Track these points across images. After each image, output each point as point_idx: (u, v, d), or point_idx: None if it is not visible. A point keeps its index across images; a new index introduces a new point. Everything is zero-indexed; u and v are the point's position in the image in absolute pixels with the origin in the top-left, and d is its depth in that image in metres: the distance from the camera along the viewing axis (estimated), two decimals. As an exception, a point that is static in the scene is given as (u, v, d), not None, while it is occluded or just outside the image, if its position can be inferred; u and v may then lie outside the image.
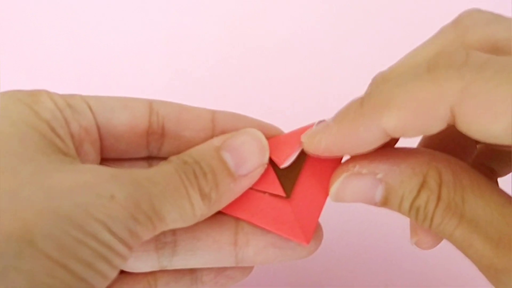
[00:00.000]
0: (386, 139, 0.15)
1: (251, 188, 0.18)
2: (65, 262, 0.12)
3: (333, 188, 0.17)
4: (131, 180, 0.14)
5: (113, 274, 0.14)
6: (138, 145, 0.18)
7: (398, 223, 0.33)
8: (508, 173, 0.21)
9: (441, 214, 0.15)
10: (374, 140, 0.15)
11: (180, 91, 0.39)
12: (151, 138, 0.19)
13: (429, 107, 0.14)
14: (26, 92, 0.16)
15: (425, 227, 0.15)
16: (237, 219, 0.19)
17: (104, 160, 0.19)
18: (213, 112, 0.19)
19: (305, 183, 0.19)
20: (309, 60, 0.41)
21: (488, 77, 0.13)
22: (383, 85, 0.15)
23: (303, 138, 0.18)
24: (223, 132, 0.19)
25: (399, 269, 0.33)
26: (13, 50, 0.41)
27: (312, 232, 0.18)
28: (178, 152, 0.18)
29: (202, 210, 0.16)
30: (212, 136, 0.19)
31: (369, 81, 0.19)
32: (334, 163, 0.18)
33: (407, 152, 0.16)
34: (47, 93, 0.16)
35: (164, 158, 0.18)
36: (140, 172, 0.15)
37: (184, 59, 0.41)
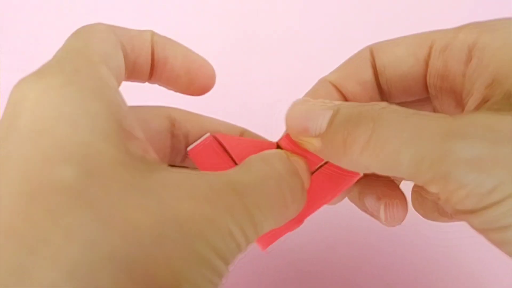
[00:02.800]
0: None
1: None
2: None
3: (288, 111, 0.17)
4: (243, 210, 0.14)
5: None
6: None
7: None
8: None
9: (390, 109, 0.15)
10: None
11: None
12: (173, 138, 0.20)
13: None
14: (86, 72, 0.14)
15: (367, 129, 0.15)
16: None
17: None
18: (151, 34, 0.19)
19: (313, 185, 0.19)
20: (309, 57, 0.41)
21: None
22: None
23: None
24: (161, 57, 0.19)
25: (399, 269, 0.33)
26: (13, 50, 0.41)
27: (272, 243, 0.18)
28: (129, 79, 0.19)
29: (293, 215, 0.16)
30: (152, 58, 0.19)
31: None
32: (346, 178, 0.18)
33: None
34: (95, 71, 0.14)
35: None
36: (246, 192, 0.14)
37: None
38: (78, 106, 0.12)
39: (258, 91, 0.40)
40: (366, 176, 0.20)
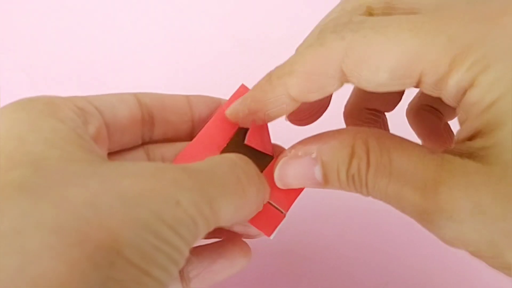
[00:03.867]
0: (296, 105, 0.18)
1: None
2: (148, 269, 0.13)
3: (276, 174, 0.19)
4: (193, 185, 0.15)
5: (176, 274, 0.15)
6: (137, 134, 0.20)
7: (397, 222, 0.33)
8: (454, 116, 0.22)
9: (372, 178, 0.16)
10: (285, 105, 0.18)
11: (178, 89, 0.39)
12: (144, 126, 0.20)
13: (320, 69, 0.16)
14: (42, 102, 0.16)
15: (364, 194, 0.16)
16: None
17: (108, 154, 0.20)
18: (187, 97, 0.21)
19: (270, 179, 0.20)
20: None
21: (363, 35, 0.15)
22: (292, 56, 0.18)
23: (228, 112, 0.20)
24: (200, 114, 0.21)
25: (399, 268, 0.33)
26: (13, 50, 0.41)
27: (276, 227, 0.20)
28: (167, 137, 0.21)
29: (258, 207, 0.18)
30: (192, 119, 0.21)
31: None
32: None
33: (336, 131, 0.18)
34: (59, 99, 0.17)
35: (156, 143, 0.21)
36: (198, 173, 0.15)
37: (182, 57, 0.41)
38: (26, 125, 0.15)
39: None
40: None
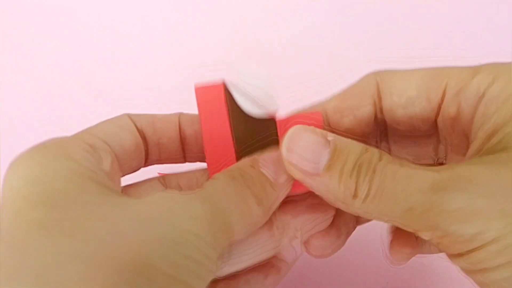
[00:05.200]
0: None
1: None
2: (177, 276, 0.14)
3: (288, 133, 0.18)
4: (204, 200, 0.16)
5: (208, 278, 0.16)
6: (139, 158, 0.20)
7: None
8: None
9: (384, 164, 0.16)
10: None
11: (180, 91, 0.39)
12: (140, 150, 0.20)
13: (355, 90, 0.21)
14: (54, 145, 0.17)
15: (365, 183, 0.16)
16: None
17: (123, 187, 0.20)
18: (180, 115, 0.21)
19: None
20: (309, 60, 0.41)
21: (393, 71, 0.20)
22: None
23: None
24: (189, 134, 0.21)
25: (399, 268, 0.33)
26: (13, 50, 0.41)
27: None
28: (160, 161, 0.21)
29: (260, 217, 0.18)
30: (180, 138, 0.21)
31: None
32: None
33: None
34: (69, 139, 0.17)
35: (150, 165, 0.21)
36: (202, 192, 0.16)
37: (185, 59, 0.41)
38: (42, 167, 0.15)
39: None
40: None
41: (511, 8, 0.40)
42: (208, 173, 0.20)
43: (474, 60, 0.19)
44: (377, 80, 0.20)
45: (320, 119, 0.20)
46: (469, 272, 0.16)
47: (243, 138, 0.20)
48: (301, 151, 0.17)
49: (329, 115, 0.20)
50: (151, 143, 0.20)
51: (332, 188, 0.17)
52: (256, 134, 0.20)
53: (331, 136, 0.18)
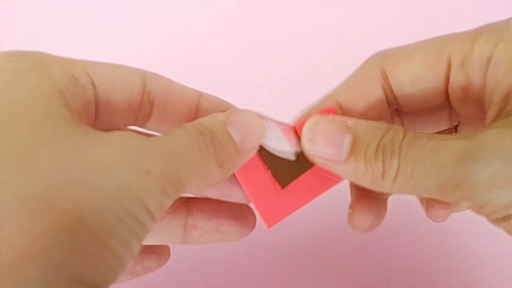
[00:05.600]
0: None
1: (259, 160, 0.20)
2: (109, 243, 0.13)
3: (307, 124, 0.18)
4: (161, 154, 0.15)
5: (139, 249, 0.14)
6: (128, 119, 0.19)
7: (398, 222, 0.33)
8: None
9: (409, 141, 0.16)
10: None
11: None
12: (139, 114, 0.19)
13: (363, 74, 0.21)
14: (33, 56, 0.16)
15: (393, 163, 0.16)
16: (188, 205, 0.21)
17: None
18: (200, 96, 0.20)
19: (302, 183, 0.20)
20: (308, 57, 0.41)
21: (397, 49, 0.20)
22: None
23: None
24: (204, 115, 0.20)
25: (399, 268, 0.33)
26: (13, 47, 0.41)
27: (277, 221, 0.20)
28: (160, 129, 0.20)
29: (218, 178, 0.17)
30: (194, 118, 0.19)
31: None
32: (331, 181, 0.20)
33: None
34: (53, 58, 0.16)
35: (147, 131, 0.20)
36: (165, 144, 0.15)
37: (182, 58, 0.41)
38: (13, 74, 0.15)
39: (258, 92, 0.40)
40: None
41: (510, 9, 0.40)
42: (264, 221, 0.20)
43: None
44: (381, 64, 0.20)
45: (335, 112, 0.20)
46: None
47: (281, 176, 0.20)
48: (322, 141, 0.18)
49: (342, 106, 0.20)
50: (158, 111, 0.19)
51: (360, 172, 0.17)
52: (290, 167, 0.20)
53: (351, 120, 0.18)
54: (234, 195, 0.20)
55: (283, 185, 0.20)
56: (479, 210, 0.16)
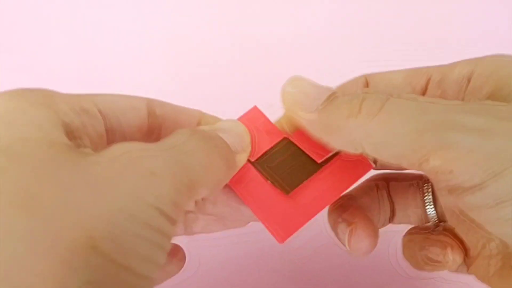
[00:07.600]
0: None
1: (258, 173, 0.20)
2: (128, 263, 0.12)
3: (292, 77, 0.18)
4: (161, 151, 0.14)
5: (165, 258, 0.13)
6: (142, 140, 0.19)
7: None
8: None
9: (392, 98, 0.16)
10: None
11: (179, 90, 0.39)
12: (150, 138, 0.19)
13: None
14: (38, 92, 0.15)
15: (372, 102, 0.15)
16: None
17: None
18: (201, 114, 0.21)
19: (311, 188, 0.19)
20: (308, 59, 0.41)
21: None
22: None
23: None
24: None
25: (399, 268, 0.33)
26: (13, 50, 0.41)
27: (290, 235, 0.19)
28: None
29: (226, 178, 0.17)
30: None
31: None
32: (346, 182, 0.19)
33: None
34: (59, 94, 0.16)
35: None
36: (162, 143, 0.15)
37: (183, 58, 0.41)
38: (16, 108, 0.14)
39: (259, 92, 0.40)
40: (341, 205, 0.21)
41: (510, 11, 0.40)
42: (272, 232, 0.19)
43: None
44: (366, 77, 0.21)
45: (257, 113, 0.21)
46: (479, 208, 0.14)
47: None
48: (303, 89, 0.18)
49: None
50: (166, 133, 0.19)
51: (333, 113, 0.16)
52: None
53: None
54: (239, 216, 0.21)
55: (287, 192, 0.19)
56: (454, 165, 0.14)
